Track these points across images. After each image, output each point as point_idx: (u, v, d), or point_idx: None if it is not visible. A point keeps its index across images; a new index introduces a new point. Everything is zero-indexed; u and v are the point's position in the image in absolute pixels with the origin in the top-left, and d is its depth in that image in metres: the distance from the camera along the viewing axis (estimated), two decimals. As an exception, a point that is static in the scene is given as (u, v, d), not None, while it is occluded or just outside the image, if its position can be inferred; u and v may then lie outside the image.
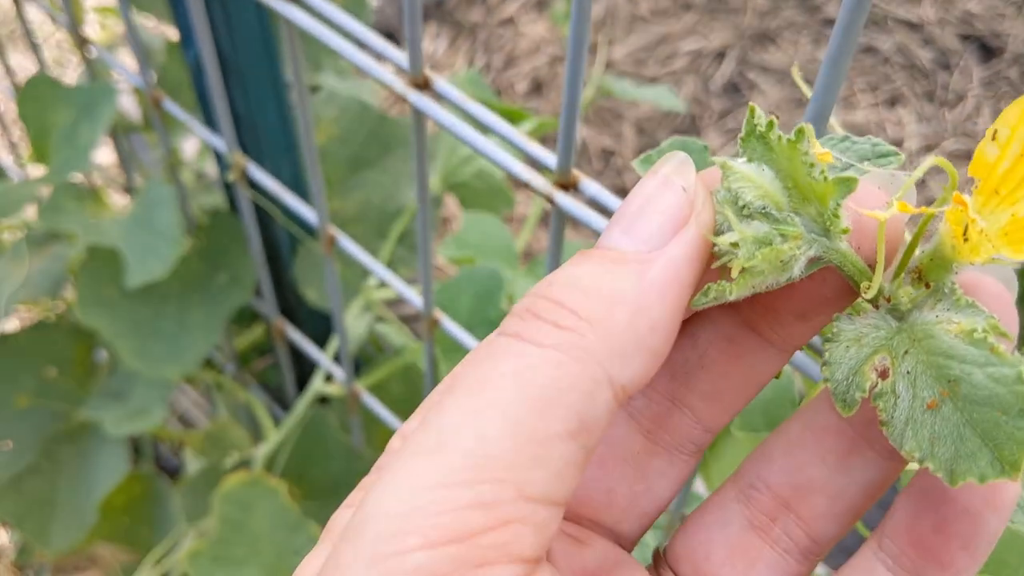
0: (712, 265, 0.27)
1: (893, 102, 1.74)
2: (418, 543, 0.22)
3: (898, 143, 1.66)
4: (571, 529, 0.30)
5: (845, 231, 0.26)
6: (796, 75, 0.41)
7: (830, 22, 1.85)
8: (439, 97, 0.49)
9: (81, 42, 0.85)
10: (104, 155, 1.51)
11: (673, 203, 0.26)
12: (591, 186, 0.44)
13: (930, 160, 0.26)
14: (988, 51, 1.80)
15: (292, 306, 0.96)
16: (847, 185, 0.26)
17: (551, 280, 0.26)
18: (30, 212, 0.94)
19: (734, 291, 0.27)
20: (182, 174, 1.01)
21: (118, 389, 0.95)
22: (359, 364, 1.06)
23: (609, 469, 0.31)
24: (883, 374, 0.26)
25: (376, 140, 0.96)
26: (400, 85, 0.48)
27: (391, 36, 1.82)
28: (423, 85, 0.48)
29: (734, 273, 0.26)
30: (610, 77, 1.01)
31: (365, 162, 0.97)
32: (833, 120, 0.41)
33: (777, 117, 0.29)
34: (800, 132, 0.26)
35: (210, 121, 0.82)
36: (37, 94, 0.83)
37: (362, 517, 0.23)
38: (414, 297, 0.64)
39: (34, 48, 0.94)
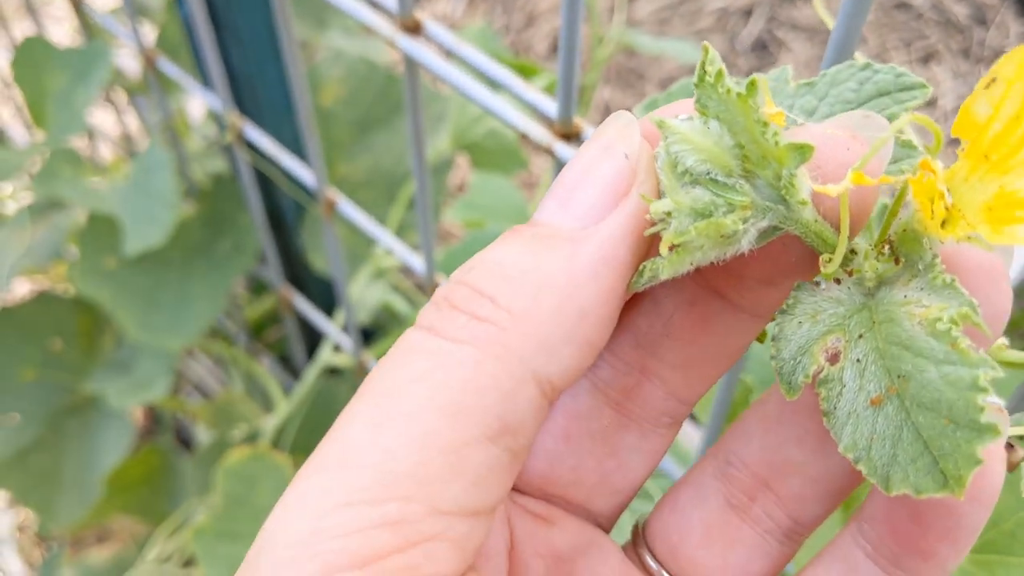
0: (647, 234, 0.24)
1: (927, 59, 1.67)
2: (317, 569, 0.20)
3: (932, 102, 1.61)
4: (539, 508, 0.28)
5: (803, 203, 0.23)
6: (819, 7, 0.37)
7: (862, -23, 1.79)
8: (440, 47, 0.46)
9: (76, 1, 0.81)
10: (109, 118, 1.49)
11: (612, 172, 0.23)
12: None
13: (906, 117, 0.22)
14: (1027, 4, 1.73)
15: (300, 274, 0.93)
16: (801, 153, 0.22)
17: (473, 263, 0.23)
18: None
19: (666, 269, 0.23)
20: (187, 137, 0.98)
21: (124, 360, 0.93)
22: (375, 333, 1.03)
23: (575, 444, 0.28)
24: (833, 358, 0.23)
25: (385, 101, 0.92)
26: (388, 28, 0.45)
27: (407, -2, 1.78)
28: (413, 29, 0.44)
29: (662, 248, 0.23)
30: (632, 32, 0.97)
31: (374, 124, 0.93)
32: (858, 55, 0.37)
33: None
34: (752, 85, 0.22)
35: (208, 81, 0.78)
36: (31, 57, 0.80)
37: (261, 542, 0.21)
38: (417, 263, 0.60)
39: (31, 10, 0.91)
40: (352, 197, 0.95)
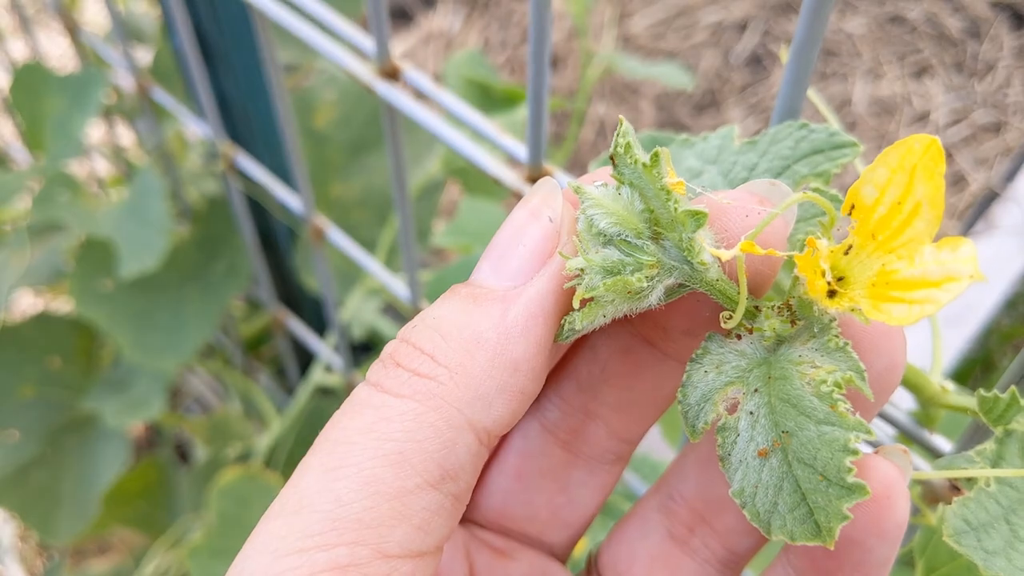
0: (566, 287, 0.26)
1: (920, 72, 1.69)
2: None
3: (926, 115, 1.62)
4: (497, 542, 0.30)
5: (703, 264, 0.25)
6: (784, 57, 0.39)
7: (856, -9, 1.80)
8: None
9: (71, 27, 0.83)
10: (103, 130, 1.50)
11: (539, 235, 0.26)
12: (564, 180, 0.42)
13: (796, 196, 0.25)
14: (1020, 19, 1.74)
15: (294, 294, 0.94)
16: (696, 220, 0.25)
17: (415, 322, 0.26)
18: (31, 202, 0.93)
19: (579, 321, 0.26)
20: (184, 156, 1.00)
21: (121, 378, 0.94)
22: (370, 348, 1.05)
23: (527, 482, 0.30)
24: (731, 408, 0.25)
25: (377, 123, 0.94)
26: (367, 74, 0.46)
27: (404, 13, 1.79)
28: (392, 74, 0.46)
29: (575, 302, 0.25)
30: (618, 55, 0.98)
31: (366, 145, 0.94)
32: (815, 96, 0.39)
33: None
34: (655, 157, 0.25)
35: (201, 109, 0.80)
36: (29, 83, 0.82)
37: None
38: (401, 290, 0.62)
39: (29, 34, 0.93)
40: (346, 217, 0.96)
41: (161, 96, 0.74)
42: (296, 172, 0.61)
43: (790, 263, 0.28)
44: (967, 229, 1.39)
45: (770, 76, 1.68)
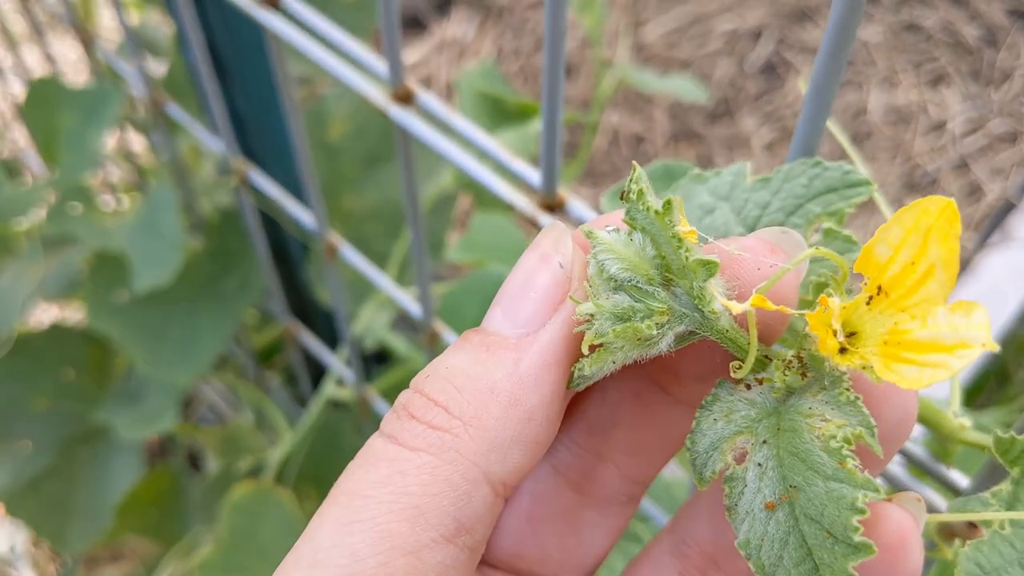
0: (575, 331, 0.26)
1: (937, 81, 1.68)
2: None
3: (942, 124, 1.61)
4: None
5: (714, 313, 0.25)
6: (833, 129, 0.38)
7: (871, -2, 1.79)
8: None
9: (86, 40, 0.83)
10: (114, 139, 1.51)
11: (549, 282, 0.26)
12: (578, 207, 0.42)
13: (807, 252, 0.24)
14: (1037, 26, 1.73)
15: (306, 307, 0.94)
16: (708, 268, 0.25)
17: (428, 372, 0.26)
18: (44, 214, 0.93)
19: (589, 367, 0.25)
20: (198, 167, 1.00)
21: (134, 390, 0.94)
22: (384, 360, 1.05)
23: (539, 525, 0.30)
24: (740, 458, 0.25)
25: (390, 135, 0.94)
26: (381, 98, 0.46)
27: (417, 22, 1.79)
28: (405, 98, 0.46)
29: (583, 348, 0.25)
30: (632, 68, 0.98)
31: (380, 158, 0.94)
32: (835, 128, 0.38)
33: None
34: (668, 204, 0.25)
35: (214, 123, 0.80)
36: (43, 97, 0.82)
37: None
38: (414, 308, 0.62)
39: (43, 48, 0.93)
40: (359, 229, 0.96)
41: (175, 111, 0.74)
42: (309, 190, 0.61)
43: (803, 303, 0.27)
44: (983, 240, 1.38)
45: (784, 84, 1.68)
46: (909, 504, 0.25)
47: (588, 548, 0.30)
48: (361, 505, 0.23)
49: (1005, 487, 0.29)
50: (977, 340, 0.21)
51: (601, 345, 0.25)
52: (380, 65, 0.46)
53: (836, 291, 0.24)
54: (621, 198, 0.26)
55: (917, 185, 1.53)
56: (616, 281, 0.25)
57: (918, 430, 0.37)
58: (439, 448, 0.24)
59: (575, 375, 0.26)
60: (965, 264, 1.31)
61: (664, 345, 0.25)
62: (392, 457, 0.24)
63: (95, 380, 0.96)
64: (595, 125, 1.00)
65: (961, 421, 0.35)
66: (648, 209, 0.25)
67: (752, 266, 0.25)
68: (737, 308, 0.23)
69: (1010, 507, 0.29)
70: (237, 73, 0.73)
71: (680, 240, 0.24)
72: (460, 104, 0.85)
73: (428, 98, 0.46)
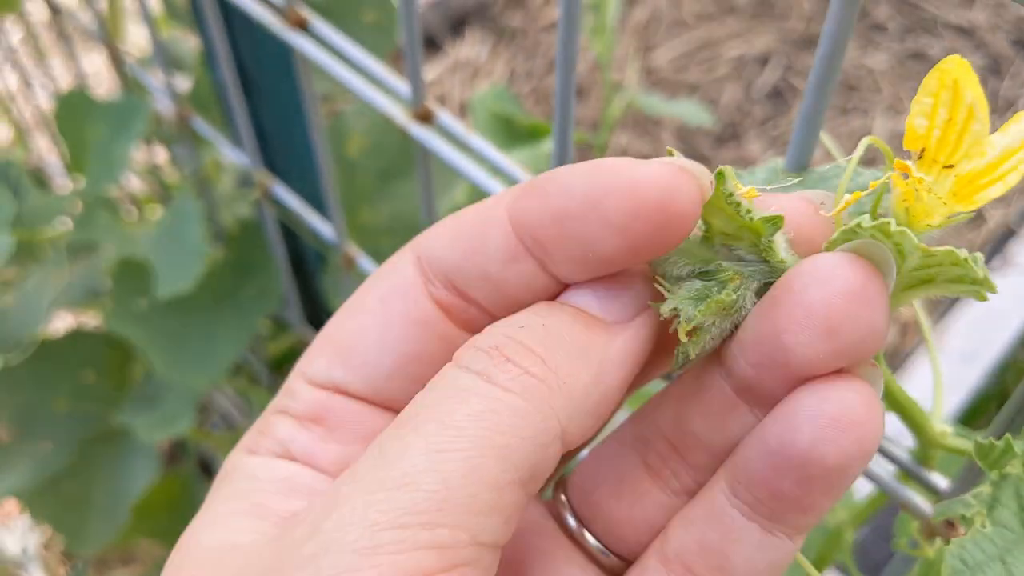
0: (671, 331, 0.27)
1: (941, 109, 1.70)
2: None
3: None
4: None
5: (782, 262, 0.26)
6: (827, 142, 0.41)
7: (878, 27, 1.82)
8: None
9: (115, 55, 0.86)
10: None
11: (644, 285, 0.27)
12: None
13: (865, 141, 0.26)
14: (1041, 57, 1.76)
15: (320, 316, 0.97)
16: (774, 223, 0.26)
17: (523, 322, 0.26)
18: (69, 222, 0.96)
19: (692, 350, 0.27)
20: (218, 179, 1.03)
21: (152, 394, 0.97)
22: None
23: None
24: None
25: (406, 152, 0.97)
26: (402, 117, 0.49)
27: (432, 42, 1.83)
28: (425, 118, 0.49)
29: (681, 336, 0.27)
30: (641, 92, 1.01)
31: (396, 173, 0.97)
32: (826, 138, 0.41)
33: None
34: (720, 175, 0.26)
35: (238, 139, 0.83)
36: (72, 109, 0.85)
37: (319, 544, 0.23)
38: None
39: (73, 62, 0.96)
40: (374, 243, 0.99)
41: (200, 125, 0.77)
42: (331, 204, 0.64)
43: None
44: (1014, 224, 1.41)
45: (791, 110, 1.71)
46: (866, 372, 0.26)
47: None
48: (454, 436, 0.23)
49: (985, 489, 0.31)
50: None
51: (695, 329, 0.27)
52: (403, 86, 0.49)
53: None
54: None
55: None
56: (680, 277, 0.28)
57: (905, 438, 0.40)
58: (533, 395, 0.24)
59: (679, 357, 0.27)
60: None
61: (749, 305, 0.27)
62: (485, 394, 0.24)
63: (114, 383, 0.99)
64: (604, 146, 1.03)
65: (943, 428, 0.37)
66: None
67: (800, 216, 0.27)
68: (829, 214, 0.26)
69: (990, 508, 0.31)
70: (262, 89, 0.76)
71: (739, 204, 0.26)
72: (474, 123, 0.88)
73: (447, 118, 0.49)
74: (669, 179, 0.25)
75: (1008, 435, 0.29)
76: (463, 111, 1.71)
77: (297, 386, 0.29)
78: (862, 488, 0.55)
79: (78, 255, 0.93)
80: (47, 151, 1.45)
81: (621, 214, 0.25)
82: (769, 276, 0.27)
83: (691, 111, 0.94)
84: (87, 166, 0.87)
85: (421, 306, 0.28)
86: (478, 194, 0.89)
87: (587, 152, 1.57)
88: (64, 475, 0.96)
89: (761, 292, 0.27)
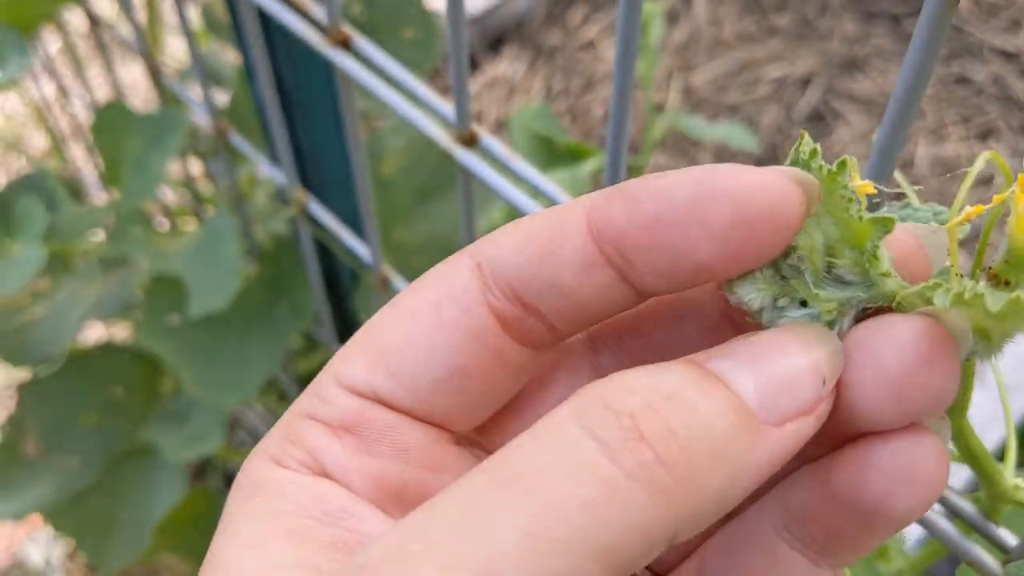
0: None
1: (985, 135, 1.68)
2: None
3: (990, 178, 1.61)
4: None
5: (886, 274, 0.24)
6: (902, 181, 0.39)
7: (922, 50, 1.80)
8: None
9: (154, 70, 0.86)
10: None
11: (812, 392, 0.24)
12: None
13: (985, 155, 0.24)
14: (1089, 84, 1.72)
15: (352, 334, 0.96)
16: (884, 225, 0.24)
17: (668, 390, 0.22)
18: (102, 235, 0.96)
19: None
20: (256, 194, 1.02)
21: (181, 411, 0.96)
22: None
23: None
24: None
25: (442, 171, 0.95)
26: (446, 140, 0.48)
27: (469, 60, 1.82)
28: (469, 141, 0.47)
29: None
30: (682, 114, 0.99)
31: (432, 192, 0.96)
32: (897, 174, 0.39)
33: (855, 158, 0.27)
34: (842, 164, 0.24)
35: (275, 156, 0.82)
36: (110, 121, 0.85)
37: None
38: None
39: (111, 76, 0.96)
40: (407, 262, 0.98)
41: (238, 141, 0.76)
42: (367, 224, 0.63)
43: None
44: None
45: (833, 133, 1.68)
46: (935, 423, 0.25)
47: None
48: (556, 522, 0.20)
49: None
50: None
51: None
52: (447, 108, 0.47)
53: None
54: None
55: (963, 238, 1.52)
56: (779, 271, 0.25)
57: (963, 485, 0.38)
58: (659, 492, 0.21)
59: None
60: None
61: (846, 328, 0.25)
62: (604, 478, 0.21)
63: (143, 399, 0.98)
64: (643, 168, 1.01)
65: (1016, 481, 0.35)
66: (821, 169, 0.24)
67: (904, 249, 0.25)
68: (952, 223, 0.24)
69: (1063, 572, 0.30)
70: (300, 106, 0.75)
71: (851, 199, 0.24)
72: (513, 143, 0.87)
73: (491, 141, 0.47)
74: (781, 187, 0.24)
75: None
76: (499, 128, 1.70)
77: (330, 391, 0.27)
78: (915, 532, 0.53)
79: (111, 268, 0.93)
80: (83, 160, 1.45)
81: (725, 221, 0.23)
82: (869, 302, 0.25)
83: (734, 133, 0.92)
84: (123, 179, 0.86)
85: (477, 316, 0.26)
86: (515, 214, 0.88)
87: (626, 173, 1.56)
88: (90, 491, 0.95)
89: (860, 318, 0.25)
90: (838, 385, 0.25)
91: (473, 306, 0.26)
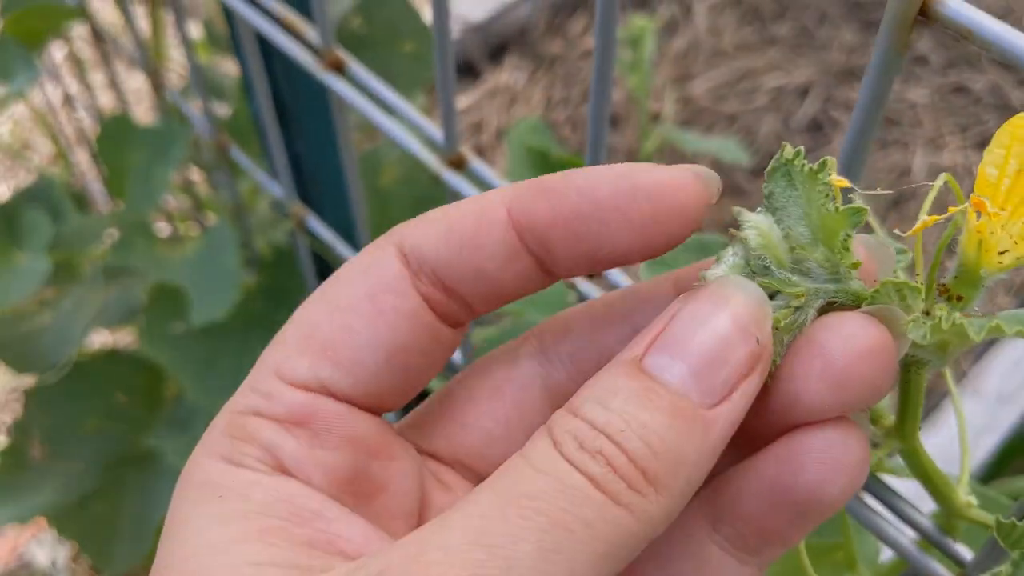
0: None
1: (983, 144, 1.69)
2: None
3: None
4: (447, 476, 0.31)
5: (855, 265, 0.26)
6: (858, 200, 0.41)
7: (920, 60, 1.81)
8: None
9: (157, 84, 0.88)
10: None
11: (745, 358, 0.25)
12: (616, 275, 0.44)
13: (942, 177, 0.26)
14: (1086, 94, 1.74)
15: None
16: (857, 215, 0.26)
17: (621, 422, 0.24)
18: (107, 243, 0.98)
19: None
20: (258, 204, 1.04)
21: (183, 417, 0.98)
22: (423, 396, 1.07)
23: (511, 432, 0.31)
24: None
25: (439, 182, 0.97)
26: (435, 163, 0.49)
27: (471, 69, 1.84)
28: (458, 164, 0.49)
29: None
30: (675, 127, 1.01)
31: (428, 204, 0.97)
32: (856, 193, 0.40)
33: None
34: (823, 163, 0.26)
35: (274, 171, 0.84)
36: (114, 134, 0.87)
37: None
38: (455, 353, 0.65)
39: (116, 88, 0.98)
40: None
41: (238, 155, 0.78)
42: (362, 236, 0.65)
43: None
44: (1021, 304, 1.39)
45: (831, 142, 1.70)
46: (858, 416, 0.27)
47: None
48: (561, 538, 0.22)
49: (1005, 569, 0.31)
50: None
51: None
52: (436, 131, 0.49)
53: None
54: (769, 172, 0.27)
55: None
56: (750, 266, 0.27)
57: (927, 505, 0.39)
58: (638, 508, 0.23)
59: None
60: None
61: (808, 323, 0.27)
62: (597, 502, 0.23)
63: (146, 406, 1.00)
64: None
65: (968, 499, 0.37)
66: (804, 167, 0.26)
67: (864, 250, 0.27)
68: (922, 224, 0.26)
69: (1009, 587, 0.31)
70: (298, 122, 0.77)
71: (828, 195, 0.26)
72: (510, 157, 0.88)
73: (478, 164, 0.49)
74: (692, 184, 0.26)
75: (1031, 519, 0.29)
76: (499, 136, 1.72)
77: (272, 386, 0.27)
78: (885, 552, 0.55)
79: (115, 277, 0.95)
80: (87, 166, 1.47)
81: (644, 215, 0.26)
82: (834, 295, 0.27)
83: (727, 148, 0.94)
84: (126, 190, 0.88)
85: (410, 301, 0.28)
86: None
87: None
88: (93, 496, 0.97)
89: (824, 311, 0.27)
90: (781, 379, 0.26)
91: (405, 291, 0.27)
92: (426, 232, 0.28)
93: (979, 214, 0.26)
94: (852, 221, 0.26)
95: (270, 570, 0.24)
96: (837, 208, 0.26)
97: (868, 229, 0.33)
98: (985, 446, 1.26)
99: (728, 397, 0.25)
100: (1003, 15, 1.86)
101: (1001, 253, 0.26)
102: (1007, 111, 1.73)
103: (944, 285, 0.27)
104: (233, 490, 0.26)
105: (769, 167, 0.27)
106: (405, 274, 0.27)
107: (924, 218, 0.26)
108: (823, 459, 0.26)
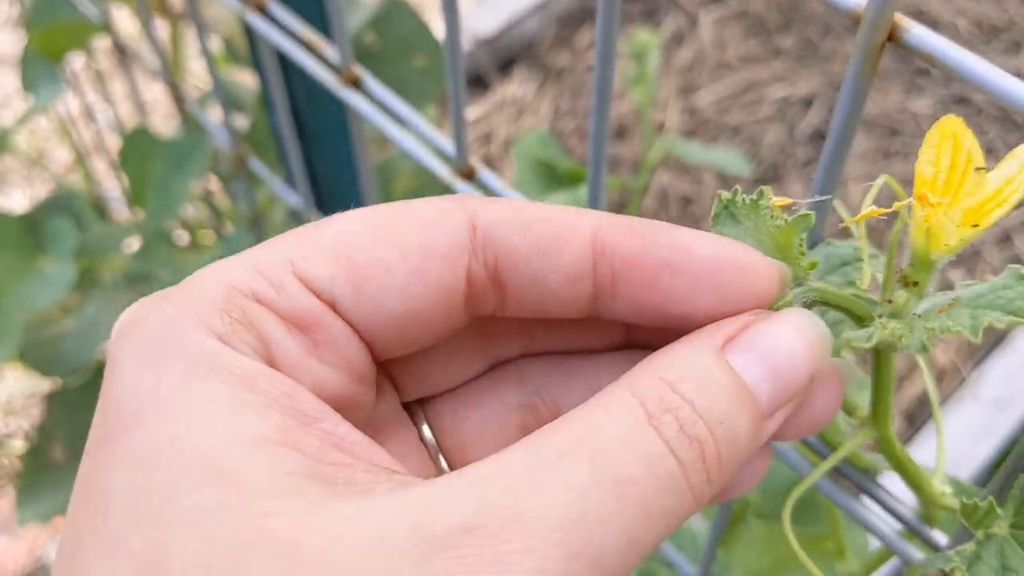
0: None
1: (985, 155, 1.71)
2: None
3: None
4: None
5: (812, 265, 0.29)
6: (842, 211, 0.44)
7: (922, 71, 1.84)
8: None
9: (178, 96, 0.91)
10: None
11: (803, 385, 0.27)
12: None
13: (880, 179, 0.30)
14: (1086, 105, 1.76)
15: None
16: (805, 221, 0.29)
17: (720, 416, 0.25)
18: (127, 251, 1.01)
19: None
20: (275, 213, 1.07)
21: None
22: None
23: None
24: None
25: (451, 191, 1.00)
26: (447, 174, 0.52)
27: (480, 81, 1.87)
28: (468, 175, 0.52)
29: None
30: (679, 138, 1.04)
31: (440, 213, 1.01)
32: (837, 203, 0.43)
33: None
34: (760, 192, 0.29)
35: (291, 180, 0.87)
36: (136, 146, 0.90)
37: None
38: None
39: (138, 102, 1.01)
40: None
41: (256, 165, 0.81)
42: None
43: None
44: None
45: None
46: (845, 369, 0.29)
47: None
48: (644, 527, 0.23)
49: (970, 547, 0.33)
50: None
51: None
52: (448, 144, 0.52)
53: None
54: (714, 218, 0.30)
55: (961, 257, 1.56)
56: None
57: (910, 499, 0.42)
58: (689, 467, 0.24)
59: None
60: (1000, 338, 1.34)
61: None
62: (681, 493, 0.24)
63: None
64: (642, 189, 1.05)
65: (942, 488, 0.39)
66: (743, 201, 0.29)
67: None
68: (860, 217, 0.29)
69: (971, 564, 0.33)
70: (316, 134, 0.80)
71: (774, 216, 0.29)
72: (517, 168, 0.91)
73: (488, 175, 0.52)
74: (773, 273, 0.27)
75: (991, 498, 0.31)
76: (507, 147, 1.75)
77: (284, 278, 0.25)
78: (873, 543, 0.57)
79: (136, 283, 0.98)
80: (105, 174, 1.50)
81: (732, 290, 0.26)
82: (815, 296, 0.30)
83: (729, 160, 0.96)
84: (147, 200, 0.91)
85: (455, 274, 0.26)
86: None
87: (629, 193, 1.60)
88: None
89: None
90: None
91: (457, 262, 0.26)
92: (506, 217, 0.26)
93: (923, 208, 0.29)
94: (802, 227, 0.29)
95: (300, 481, 0.22)
96: (786, 220, 0.29)
97: (849, 235, 0.36)
98: (984, 451, 1.28)
99: (774, 415, 0.26)
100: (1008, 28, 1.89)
101: (947, 237, 0.28)
102: (1007, 122, 1.75)
103: (902, 271, 0.30)
104: (235, 375, 0.23)
105: (713, 214, 0.30)
106: (467, 247, 0.26)
107: (867, 209, 0.29)
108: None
